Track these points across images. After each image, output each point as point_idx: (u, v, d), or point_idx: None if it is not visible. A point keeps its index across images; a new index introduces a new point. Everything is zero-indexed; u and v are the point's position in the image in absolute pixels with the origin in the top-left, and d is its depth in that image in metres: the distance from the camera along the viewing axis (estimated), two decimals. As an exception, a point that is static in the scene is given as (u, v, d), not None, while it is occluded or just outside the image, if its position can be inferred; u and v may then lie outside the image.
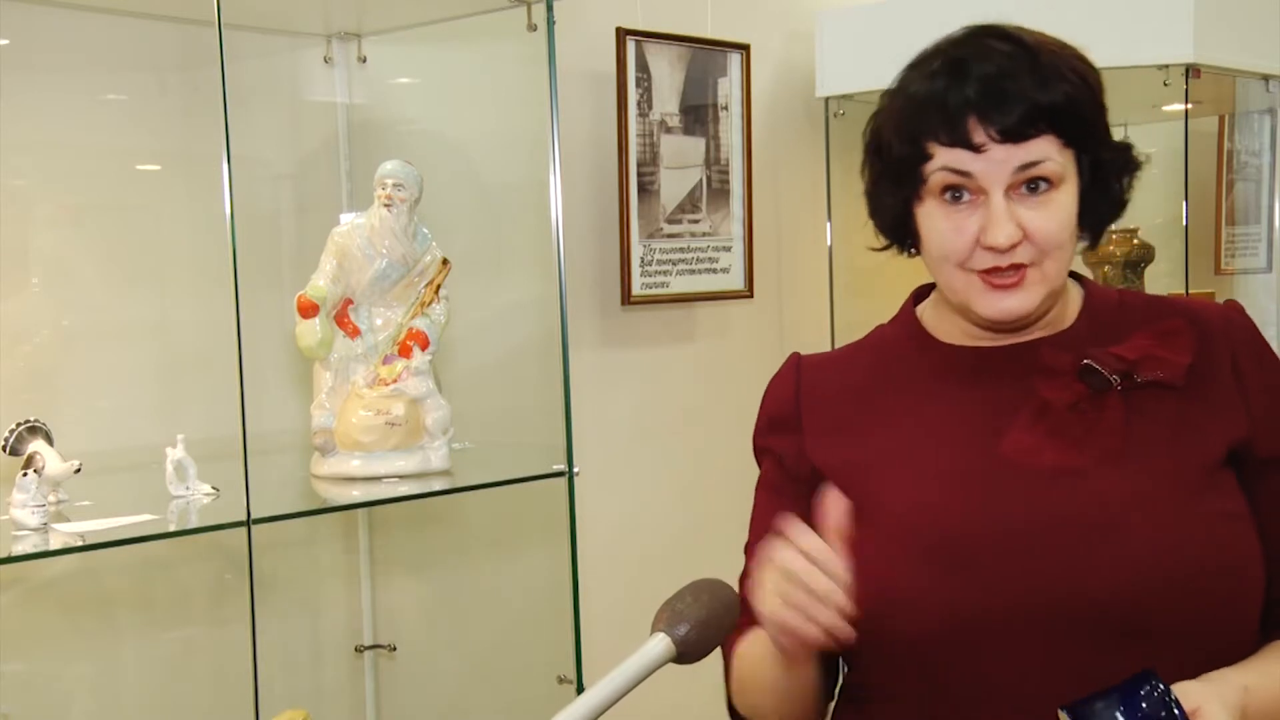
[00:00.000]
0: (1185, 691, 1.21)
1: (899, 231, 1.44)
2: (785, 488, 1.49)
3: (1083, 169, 1.36)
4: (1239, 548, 1.33)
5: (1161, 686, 1.20)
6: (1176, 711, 1.19)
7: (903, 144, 1.36)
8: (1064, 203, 1.33)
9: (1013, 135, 1.30)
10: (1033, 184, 1.32)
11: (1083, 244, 1.44)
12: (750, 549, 1.54)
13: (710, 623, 1.18)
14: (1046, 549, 1.31)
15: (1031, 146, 1.31)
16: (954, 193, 1.34)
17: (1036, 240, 1.32)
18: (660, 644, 1.15)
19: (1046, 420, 1.37)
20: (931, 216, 1.36)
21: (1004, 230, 1.31)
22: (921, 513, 1.37)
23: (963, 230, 1.33)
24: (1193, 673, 1.27)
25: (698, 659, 1.18)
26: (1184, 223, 3.13)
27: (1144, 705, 1.19)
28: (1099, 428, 1.35)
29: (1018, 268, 1.33)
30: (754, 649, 1.41)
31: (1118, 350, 1.37)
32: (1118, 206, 1.43)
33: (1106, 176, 1.39)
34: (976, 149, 1.31)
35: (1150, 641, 1.29)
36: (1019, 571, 1.31)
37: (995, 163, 1.31)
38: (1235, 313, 1.43)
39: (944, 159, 1.33)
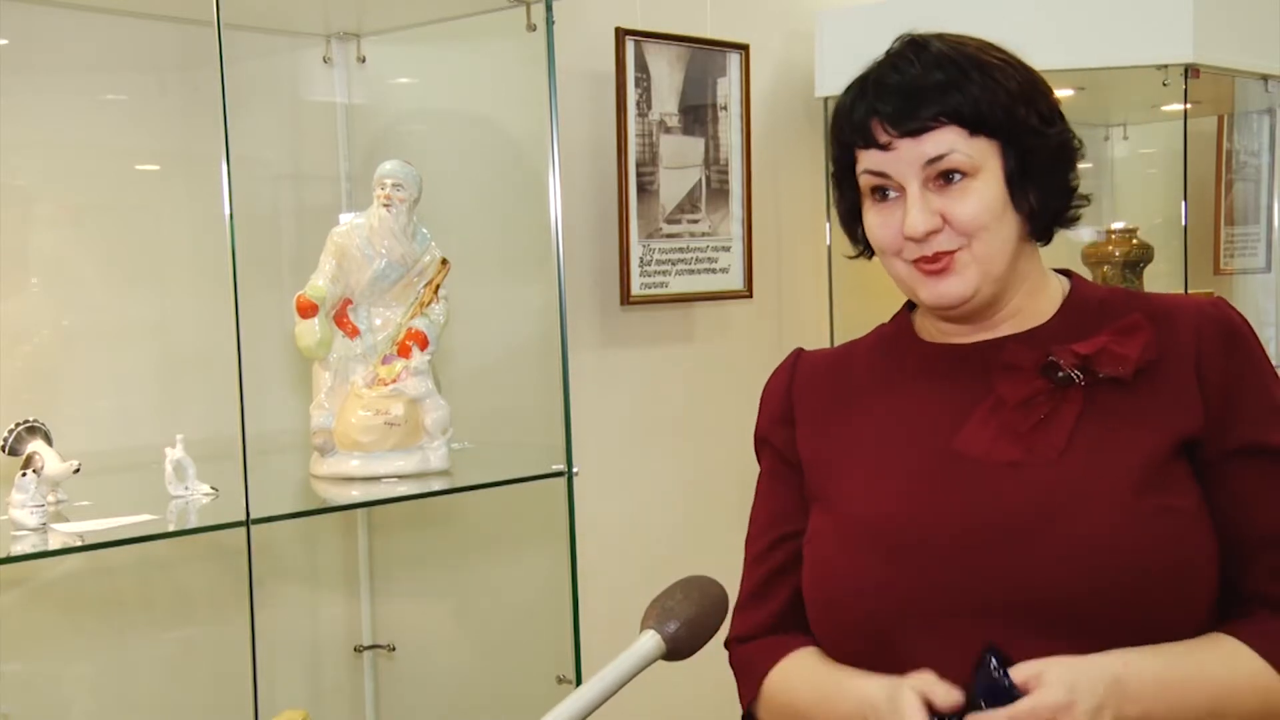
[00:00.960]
0: (1029, 663, 1.27)
1: (856, 236, 1.51)
2: (784, 478, 1.53)
3: (1008, 158, 1.38)
4: (1182, 542, 1.33)
5: (994, 662, 1.26)
6: (1007, 683, 1.25)
7: (837, 154, 1.45)
8: (981, 190, 1.37)
9: (912, 130, 1.37)
10: (948, 175, 1.37)
11: (1040, 243, 1.46)
12: (746, 544, 1.57)
13: (699, 620, 1.18)
14: (989, 543, 1.33)
15: (934, 139, 1.36)
16: (881, 192, 1.41)
17: (956, 226, 1.37)
18: (650, 641, 1.15)
19: (999, 416, 1.39)
20: (869, 215, 1.44)
21: (917, 220, 1.37)
22: (876, 508, 1.40)
23: (888, 224, 1.40)
24: None
25: (687, 656, 1.18)
26: (1183, 223, 3.14)
27: (985, 683, 1.26)
28: (1050, 422, 1.37)
29: (944, 255, 1.38)
30: (809, 680, 1.43)
31: (1076, 346, 1.39)
32: (1063, 194, 1.43)
33: (1038, 163, 1.40)
34: (884, 148, 1.38)
35: (1093, 635, 1.30)
36: (957, 566, 1.33)
37: (904, 159, 1.38)
38: (1212, 307, 1.42)
39: (865, 162, 1.41)
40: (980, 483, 1.36)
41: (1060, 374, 1.38)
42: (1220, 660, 1.34)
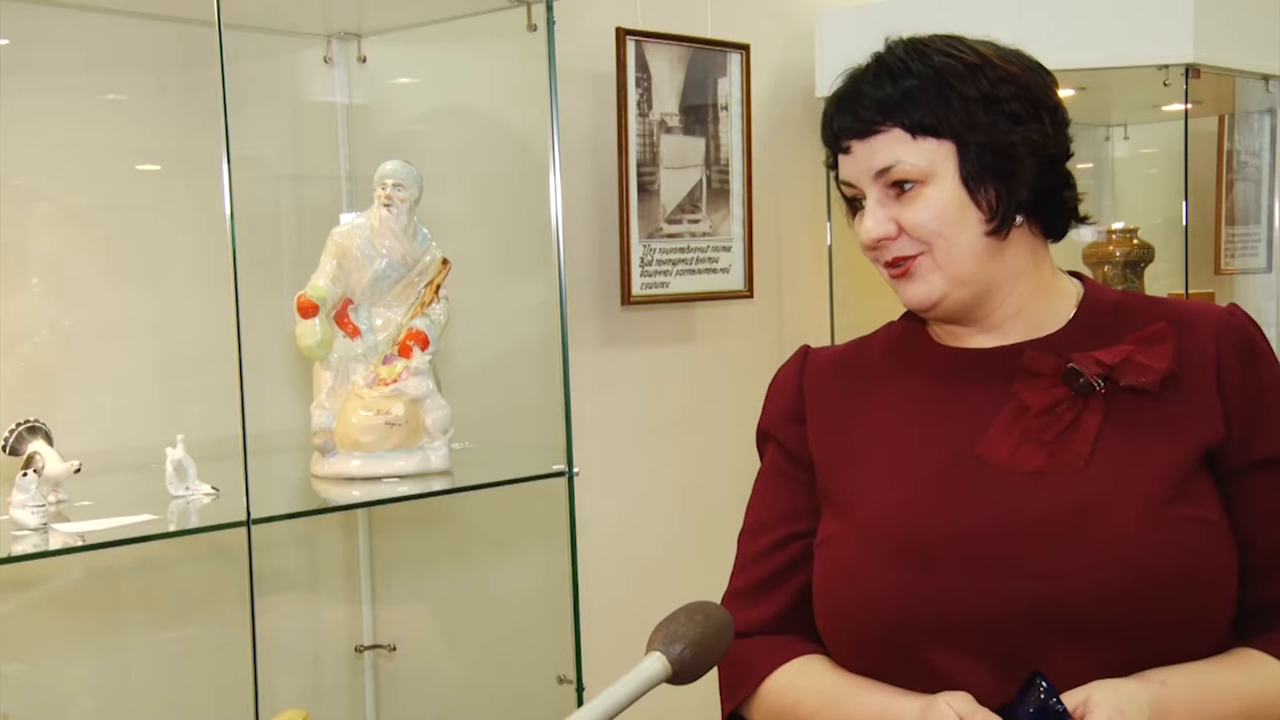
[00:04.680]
0: (1074, 690, 1.27)
1: None
2: (791, 475, 1.52)
3: (965, 159, 1.38)
4: (1205, 553, 1.34)
5: (1045, 686, 1.26)
6: (1061, 708, 1.25)
7: (831, 164, 1.47)
8: (933, 197, 1.38)
9: (856, 132, 1.40)
10: (900, 184, 1.39)
11: (1051, 239, 1.46)
12: (743, 538, 1.55)
13: (705, 642, 1.17)
14: (1013, 550, 1.33)
15: (880, 144, 1.39)
16: (855, 201, 1.44)
17: (910, 232, 1.39)
18: (656, 663, 1.15)
19: (1022, 422, 1.39)
20: (853, 225, 1.47)
21: (870, 226, 1.40)
22: (894, 512, 1.39)
23: (859, 232, 1.44)
24: None
25: (692, 680, 1.18)
26: (1184, 223, 3.13)
27: (1031, 710, 1.26)
28: (1074, 431, 1.37)
29: (904, 260, 1.40)
30: (818, 687, 1.42)
31: (1099, 354, 1.38)
32: (1041, 191, 1.41)
33: (998, 163, 1.38)
34: (845, 151, 1.42)
35: (1113, 644, 1.30)
36: (983, 574, 1.33)
37: (860, 167, 1.41)
38: (1231, 315, 1.42)
39: (839, 171, 1.45)
40: (1004, 490, 1.36)
41: (1081, 381, 1.38)
42: (1253, 675, 1.35)
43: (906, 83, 1.38)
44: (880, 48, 1.45)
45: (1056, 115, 1.42)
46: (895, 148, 1.38)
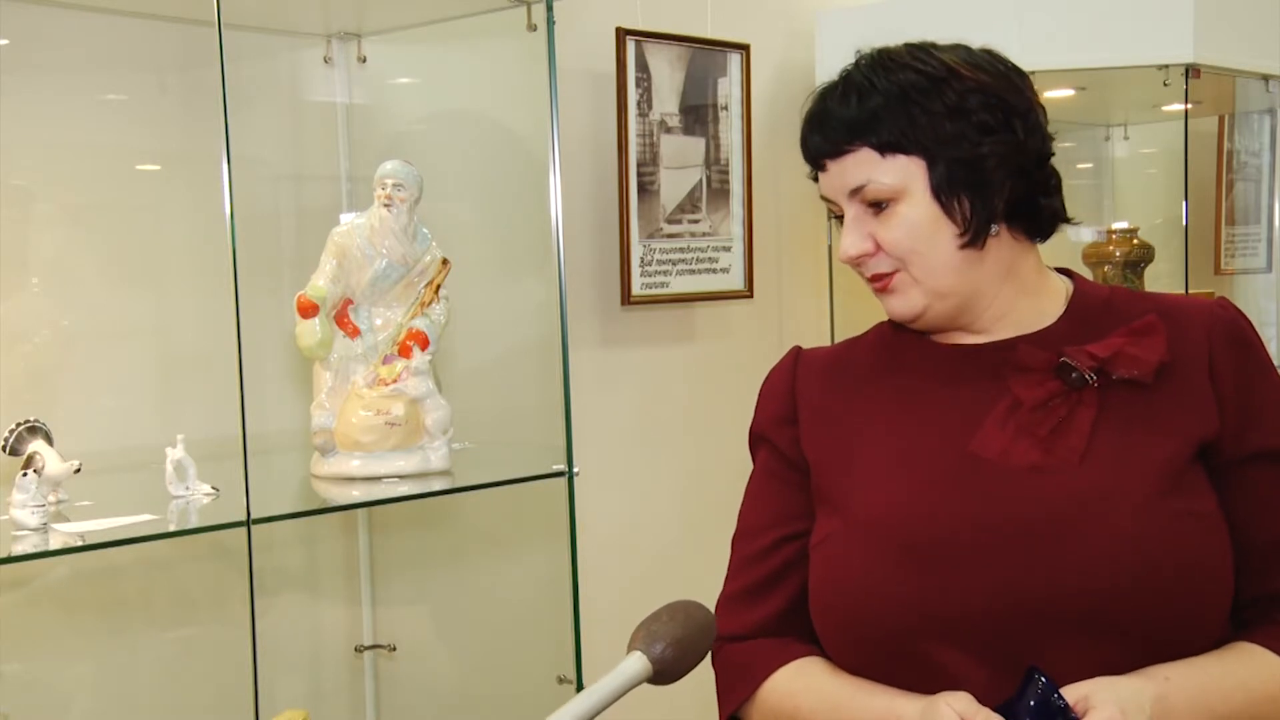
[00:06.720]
0: (1075, 685, 1.27)
1: None
2: (785, 477, 1.52)
3: (934, 172, 1.38)
4: (1203, 546, 1.34)
5: (1044, 681, 1.26)
6: (1063, 704, 1.25)
7: (813, 177, 1.50)
8: (906, 214, 1.39)
9: (829, 152, 1.43)
10: (874, 202, 1.40)
11: (1038, 239, 1.47)
12: (738, 541, 1.55)
13: (686, 642, 1.17)
14: (1011, 547, 1.33)
15: (852, 163, 1.41)
16: (838, 216, 1.46)
17: (887, 250, 1.41)
18: (637, 662, 1.15)
19: (1017, 418, 1.39)
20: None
21: (845, 245, 1.43)
22: (893, 511, 1.40)
23: (840, 246, 1.46)
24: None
25: (674, 679, 1.18)
26: (1184, 223, 3.14)
27: (1032, 704, 1.25)
28: (1068, 425, 1.37)
29: (883, 276, 1.42)
30: (817, 688, 1.42)
31: (1091, 348, 1.39)
32: (997, 199, 1.40)
33: (968, 172, 1.38)
34: (822, 169, 1.45)
35: (1113, 638, 1.30)
36: (982, 571, 1.33)
37: (835, 186, 1.43)
38: (1220, 308, 1.43)
39: (819, 186, 1.47)
40: (1000, 486, 1.36)
41: (1074, 375, 1.38)
42: (1256, 671, 1.36)
43: (871, 102, 1.39)
44: (863, 54, 1.46)
45: (1029, 120, 1.41)
46: (865, 167, 1.40)
